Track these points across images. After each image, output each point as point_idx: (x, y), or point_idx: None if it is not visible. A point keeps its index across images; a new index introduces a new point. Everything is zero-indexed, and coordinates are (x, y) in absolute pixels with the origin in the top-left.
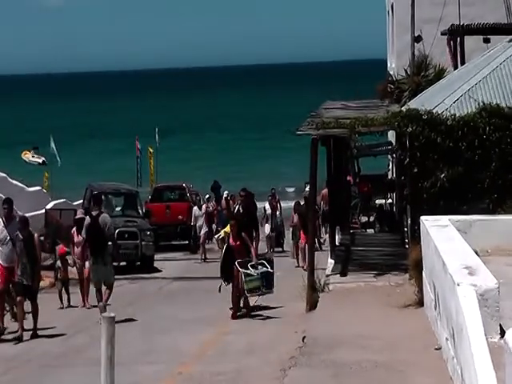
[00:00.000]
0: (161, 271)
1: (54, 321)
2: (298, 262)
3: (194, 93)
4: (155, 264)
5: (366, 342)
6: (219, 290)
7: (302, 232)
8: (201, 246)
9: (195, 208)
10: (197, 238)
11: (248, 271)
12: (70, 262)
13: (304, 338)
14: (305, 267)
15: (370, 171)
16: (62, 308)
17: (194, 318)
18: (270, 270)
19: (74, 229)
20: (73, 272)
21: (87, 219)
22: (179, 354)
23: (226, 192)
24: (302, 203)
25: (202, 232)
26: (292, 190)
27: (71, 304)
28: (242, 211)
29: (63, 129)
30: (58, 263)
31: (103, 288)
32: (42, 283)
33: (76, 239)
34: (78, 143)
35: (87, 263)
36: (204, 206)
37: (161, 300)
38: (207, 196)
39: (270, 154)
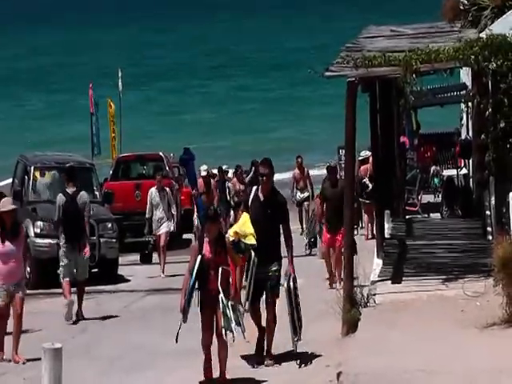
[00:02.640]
0: (128, 281)
1: None
2: (330, 276)
3: (177, 20)
4: (120, 270)
5: (431, 379)
6: (176, 339)
7: (324, 226)
8: (161, 252)
9: (153, 189)
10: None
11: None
12: None
13: (339, 374)
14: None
15: (433, 128)
16: None
17: (180, 350)
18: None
19: None
20: None
21: (61, 198)
22: None
23: (203, 167)
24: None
25: (161, 229)
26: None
27: None
28: (262, 199)
29: None
30: None
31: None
32: None
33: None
34: (9, 98)
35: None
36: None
37: (129, 323)
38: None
39: (286, 108)
